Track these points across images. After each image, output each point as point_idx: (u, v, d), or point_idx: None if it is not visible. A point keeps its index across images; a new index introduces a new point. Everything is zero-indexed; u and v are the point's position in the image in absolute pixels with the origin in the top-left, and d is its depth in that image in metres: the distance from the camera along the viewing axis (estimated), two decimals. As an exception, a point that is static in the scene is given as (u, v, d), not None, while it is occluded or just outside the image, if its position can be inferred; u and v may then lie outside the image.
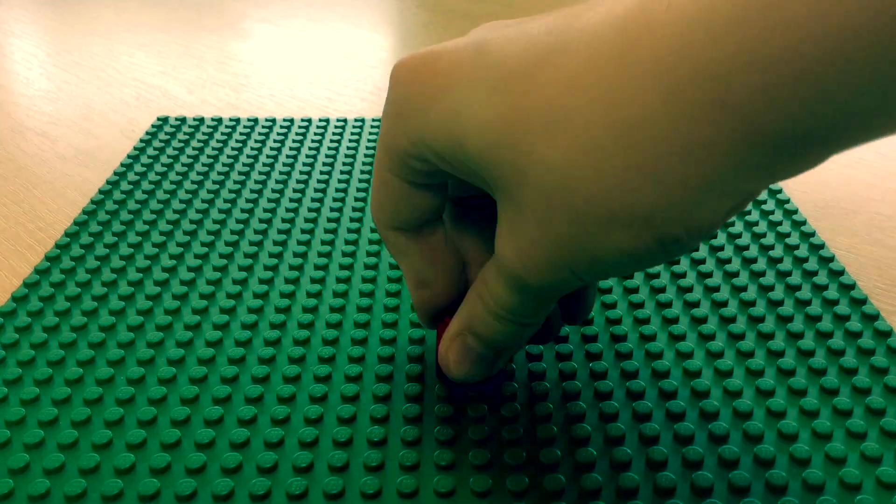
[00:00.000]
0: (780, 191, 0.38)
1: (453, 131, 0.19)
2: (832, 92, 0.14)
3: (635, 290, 0.31)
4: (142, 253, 0.33)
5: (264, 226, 0.35)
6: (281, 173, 0.40)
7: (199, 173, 0.40)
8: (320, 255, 0.33)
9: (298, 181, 0.39)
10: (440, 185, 0.22)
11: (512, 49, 0.18)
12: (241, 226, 0.35)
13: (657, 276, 0.31)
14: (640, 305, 0.30)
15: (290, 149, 0.43)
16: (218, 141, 0.44)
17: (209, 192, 0.38)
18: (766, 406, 0.25)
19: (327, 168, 0.41)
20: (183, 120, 0.47)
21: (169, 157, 0.42)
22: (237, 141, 0.44)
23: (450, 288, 0.24)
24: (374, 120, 0.47)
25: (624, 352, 0.27)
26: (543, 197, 0.17)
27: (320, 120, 0.47)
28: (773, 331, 0.28)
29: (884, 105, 0.14)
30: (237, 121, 0.47)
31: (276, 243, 0.34)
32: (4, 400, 0.25)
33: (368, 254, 0.33)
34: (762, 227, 0.35)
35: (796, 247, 0.33)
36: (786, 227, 0.35)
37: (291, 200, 0.37)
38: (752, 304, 0.30)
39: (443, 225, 0.24)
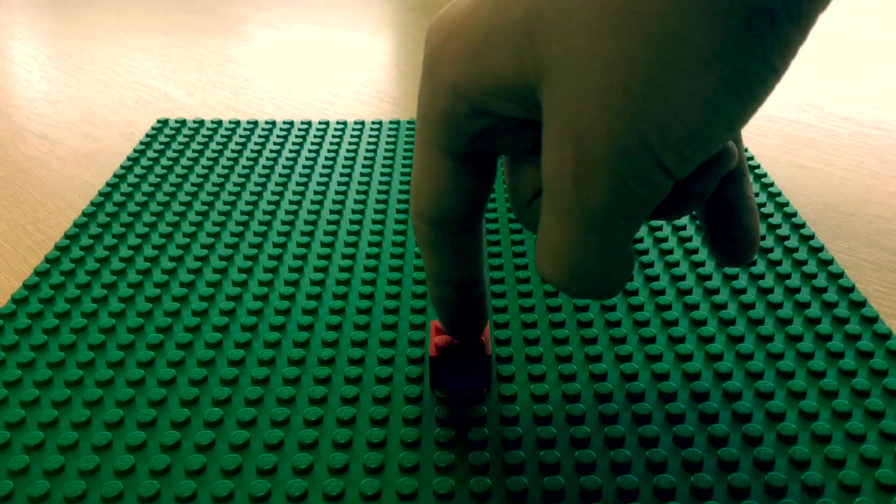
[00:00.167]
0: (779, 194, 0.38)
1: (495, 44, 0.18)
2: None
3: (635, 293, 0.31)
4: (141, 255, 0.33)
5: (264, 228, 0.35)
6: (281, 176, 0.40)
7: (198, 176, 0.40)
8: (320, 257, 0.33)
9: (298, 184, 0.39)
10: (486, 165, 0.21)
11: None
12: (241, 228, 0.35)
13: (657, 278, 0.31)
14: (640, 308, 0.30)
15: (290, 151, 0.43)
16: (218, 143, 0.44)
17: (209, 194, 0.38)
18: (766, 408, 0.25)
19: (327, 171, 0.41)
20: (183, 122, 0.47)
21: (169, 159, 0.42)
22: (237, 143, 0.44)
23: (472, 289, 0.23)
24: (373, 123, 0.47)
25: (623, 354, 0.27)
26: (600, 58, 0.16)
27: (320, 123, 0.47)
28: (773, 333, 0.28)
29: None
30: (237, 123, 0.47)
31: (275, 245, 0.34)
32: (4, 401, 0.25)
33: (368, 256, 0.33)
34: (762, 229, 0.35)
35: (795, 249, 0.33)
36: (785, 230, 0.35)
37: (291, 203, 0.38)
38: (752, 306, 0.30)
39: (479, 228, 0.23)
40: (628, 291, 0.31)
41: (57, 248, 0.33)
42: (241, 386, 0.26)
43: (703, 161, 0.17)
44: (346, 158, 0.42)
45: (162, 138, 0.45)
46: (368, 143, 0.44)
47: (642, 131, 0.16)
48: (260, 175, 0.40)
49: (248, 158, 0.42)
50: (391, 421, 0.25)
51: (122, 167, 0.41)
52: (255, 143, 0.44)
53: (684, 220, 0.36)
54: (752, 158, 0.42)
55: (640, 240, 0.34)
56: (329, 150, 0.43)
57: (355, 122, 0.47)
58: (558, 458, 0.23)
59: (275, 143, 0.44)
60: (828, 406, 0.25)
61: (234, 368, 0.27)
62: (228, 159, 0.42)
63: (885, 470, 0.23)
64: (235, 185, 0.39)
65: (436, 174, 0.21)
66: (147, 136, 0.45)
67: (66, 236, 0.34)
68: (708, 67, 0.15)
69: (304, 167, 0.41)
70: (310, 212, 0.37)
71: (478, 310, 0.24)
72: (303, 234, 0.35)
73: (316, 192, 0.39)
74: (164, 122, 0.47)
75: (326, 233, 0.35)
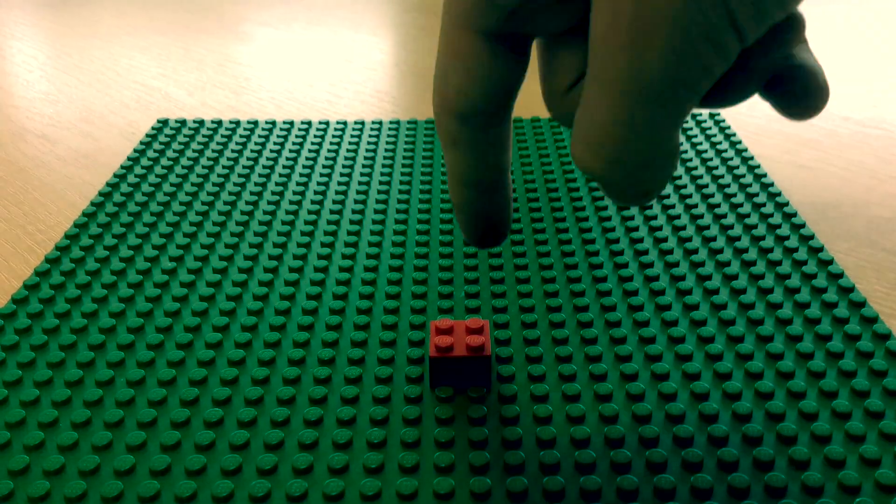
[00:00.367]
0: (779, 194, 0.38)
1: None
2: None
3: (635, 293, 0.31)
4: (142, 255, 0.33)
5: (264, 228, 0.35)
6: (281, 176, 0.40)
7: (198, 176, 0.40)
8: (320, 257, 0.33)
9: (298, 184, 0.39)
10: (520, 48, 0.19)
11: None
12: (241, 228, 0.35)
13: (657, 278, 0.31)
14: (640, 308, 0.30)
15: (290, 151, 0.43)
16: (218, 143, 0.44)
17: (209, 194, 0.38)
18: (766, 408, 0.25)
19: (327, 170, 0.41)
20: (183, 122, 0.47)
21: (169, 159, 0.42)
22: (237, 143, 0.44)
23: (497, 192, 0.22)
24: (373, 122, 0.47)
25: (623, 354, 0.27)
26: None
27: (320, 123, 0.47)
28: (773, 333, 0.28)
29: None
30: (237, 123, 0.47)
31: (275, 245, 0.34)
32: (5, 401, 0.25)
33: (368, 256, 0.33)
34: (761, 230, 0.35)
35: (795, 249, 0.33)
36: (785, 230, 0.35)
37: (291, 203, 0.38)
38: (752, 306, 0.30)
39: (508, 122, 0.21)
40: (628, 292, 0.31)
41: (57, 248, 0.34)
42: (241, 386, 0.26)
43: (775, 23, 0.16)
44: (346, 158, 0.42)
45: (162, 138, 0.45)
46: (368, 143, 0.44)
47: None
48: (260, 175, 0.40)
49: (248, 158, 0.42)
50: (391, 421, 0.25)
51: (122, 167, 0.41)
52: (255, 143, 0.44)
53: (684, 220, 0.36)
54: (752, 158, 0.42)
55: (641, 237, 0.34)
56: (329, 150, 0.43)
57: (355, 122, 0.47)
58: (558, 458, 0.23)
59: (275, 143, 0.44)
60: (828, 406, 0.25)
61: (234, 368, 0.27)
62: (228, 159, 0.42)
63: (885, 470, 0.23)
64: (235, 185, 0.39)
65: (465, 58, 0.19)
66: (147, 136, 0.45)
67: (66, 236, 0.34)
68: None
69: (304, 167, 0.41)
70: (310, 212, 0.37)
71: (501, 217, 0.23)
72: (303, 233, 0.35)
73: (316, 192, 0.39)
74: (165, 122, 0.47)
75: (326, 233, 0.35)
